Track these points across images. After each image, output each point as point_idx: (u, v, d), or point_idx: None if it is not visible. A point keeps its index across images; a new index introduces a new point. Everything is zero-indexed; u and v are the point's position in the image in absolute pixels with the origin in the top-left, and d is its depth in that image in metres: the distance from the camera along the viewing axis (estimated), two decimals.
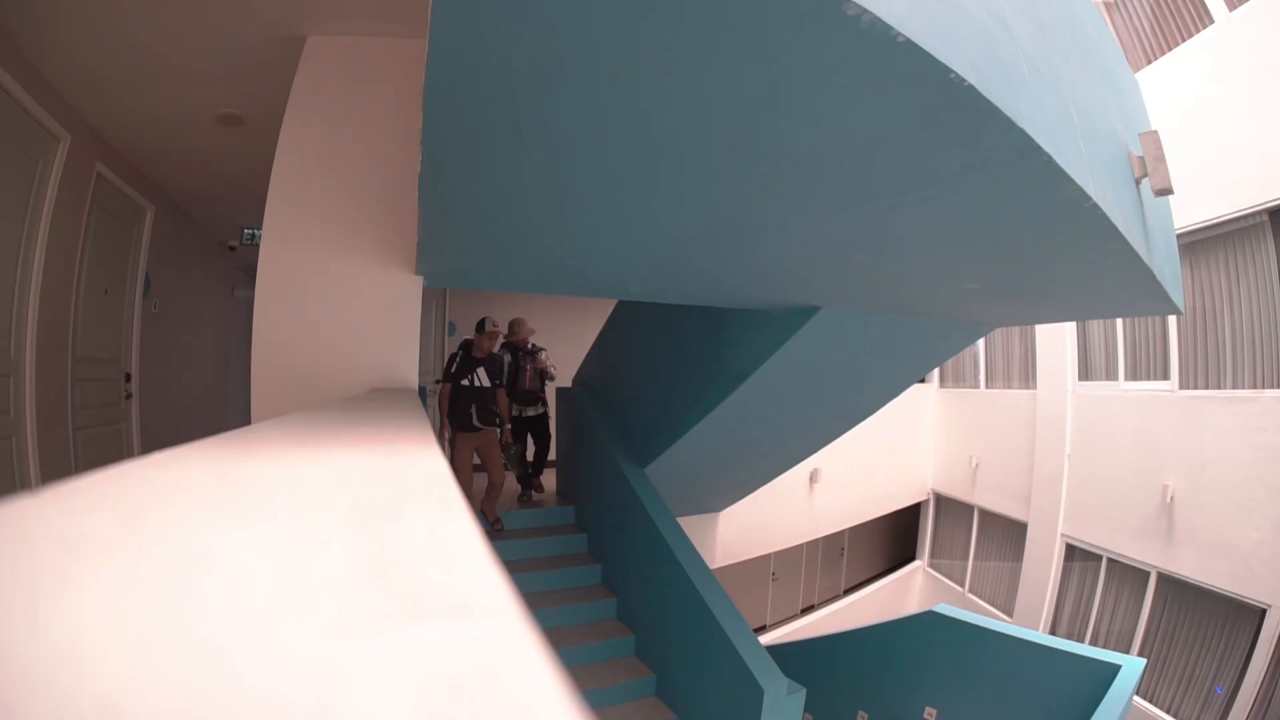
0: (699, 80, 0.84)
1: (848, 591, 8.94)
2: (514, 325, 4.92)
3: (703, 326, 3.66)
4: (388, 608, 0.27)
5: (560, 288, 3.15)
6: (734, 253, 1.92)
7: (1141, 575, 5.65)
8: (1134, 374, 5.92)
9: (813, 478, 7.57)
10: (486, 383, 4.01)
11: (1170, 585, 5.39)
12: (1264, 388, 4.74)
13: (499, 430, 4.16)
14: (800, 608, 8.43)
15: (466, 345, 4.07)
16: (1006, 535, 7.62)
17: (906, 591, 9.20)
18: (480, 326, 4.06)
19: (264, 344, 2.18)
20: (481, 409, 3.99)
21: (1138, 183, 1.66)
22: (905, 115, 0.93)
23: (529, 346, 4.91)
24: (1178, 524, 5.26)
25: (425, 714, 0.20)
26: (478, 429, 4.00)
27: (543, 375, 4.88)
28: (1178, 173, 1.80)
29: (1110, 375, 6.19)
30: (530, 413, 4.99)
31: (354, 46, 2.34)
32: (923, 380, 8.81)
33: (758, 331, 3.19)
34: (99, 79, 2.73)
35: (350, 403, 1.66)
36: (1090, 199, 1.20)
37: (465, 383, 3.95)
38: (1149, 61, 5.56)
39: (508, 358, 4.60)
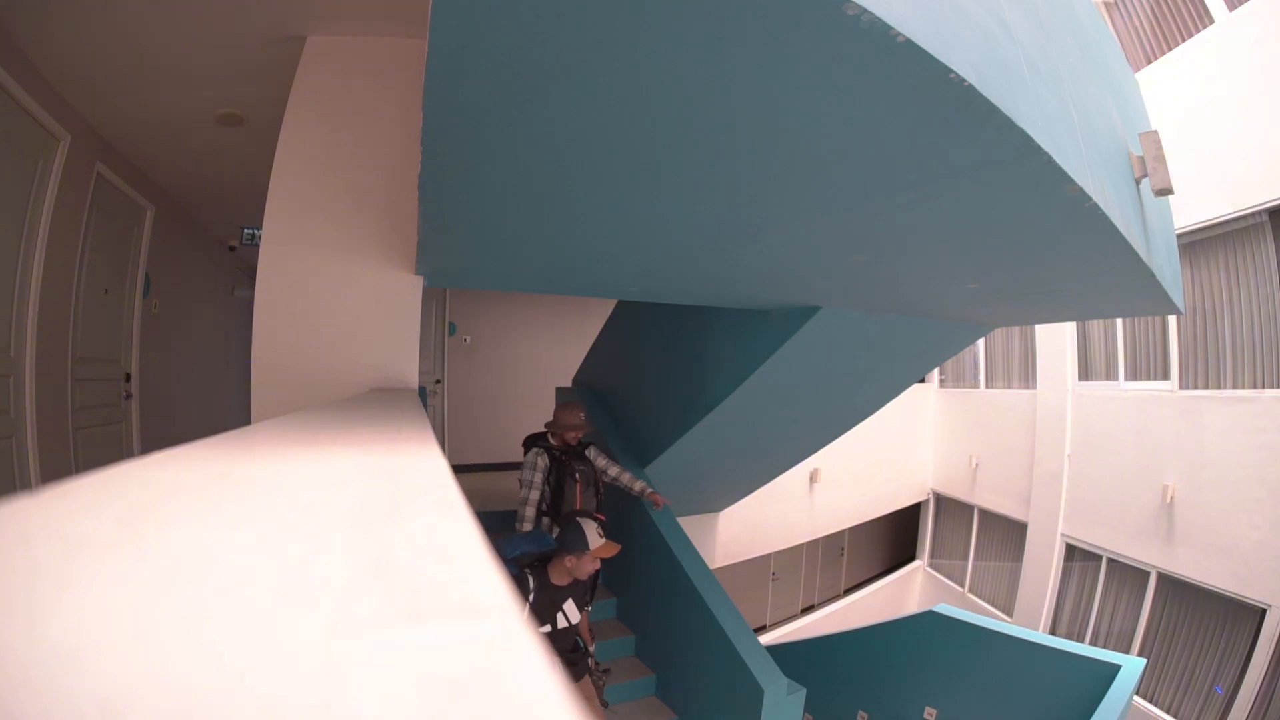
0: (698, 80, 0.84)
1: (848, 591, 8.94)
2: (560, 416, 3.25)
3: (702, 326, 3.66)
4: (388, 608, 0.27)
5: (560, 288, 3.15)
6: (734, 252, 1.92)
7: (1141, 575, 5.65)
8: (1134, 374, 5.92)
9: (813, 478, 7.57)
10: (576, 618, 2.50)
11: (1170, 585, 5.39)
12: (1264, 388, 4.74)
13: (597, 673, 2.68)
14: (800, 608, 8.43)
15: (535, 568, 2.40)
16: (1006, 535, 7.62)
17: (906, 591, 9.20)
18: (573, 541, 2.34)
19: (264, 344, 2.18)
20: (577, 662, 2.56)
21: (1138, 183, 1.66)
22: (905, 115, 0.93)
23: (576, 445, 3.32)
24: (1178, 524, 5.26)
25: (425, 714, 0.20)
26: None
27: (597, 486, 3.33)
28: (1178, 173, 1.80)
29: (1110, 375, 6.19)
30: None
31: (354, 46, 2.34)
32: (922, 380, 8.82)
33: (757, 331, 3.19)
34: (99, 79, 2.73)
35: (350, 403, 1.66)
36: (1090, 199, 1.20)
37: (547, 629, 2.40)
38: (1149, 61, 5.56)
39: (544, 462, 3.19)
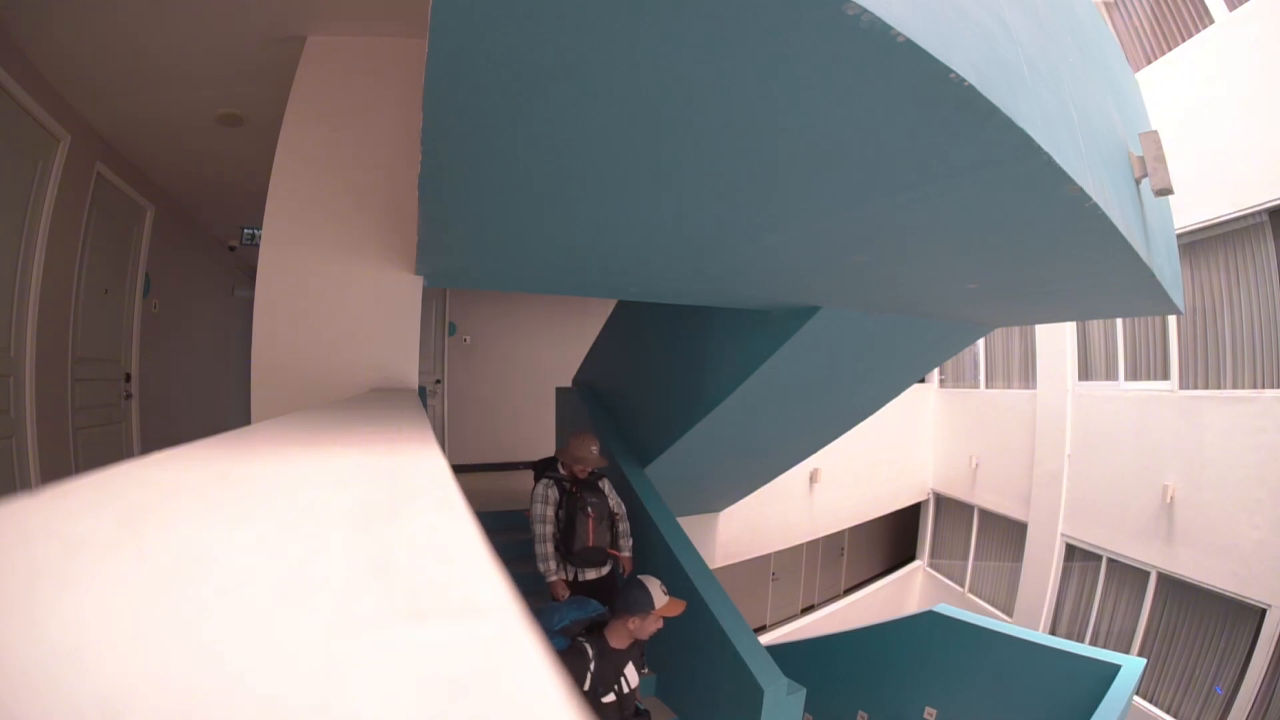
0: (698, 80, 0.84)
1: (848, 591, 8.94)
2: (573, 445, 3.09)
3: (703, 326, 3.66)
4: (388, 608, 0.27)
5: (560, 288, 3.14)
6: (734, 252, 1.92)
7: (1141, 575, 5.65)
8: (1134, 374, 5.93)
9: (813, 478, 7.57)
10: (635, 681, 2.36)
11: (1170, 585, 5.39)
12: (1264, 388, 4.74)
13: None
14: (800, 608, 8.43)
15: (590, 636, 2.26)
16: (1006, 535, 7.62)
17: (906, 591, 9.20)
18: (638, 602, 2.25)
19: (264, 344, 2.18)
20: None
21: (1138, 183, 1.66)
22: (905, 115, 0.93)
23: (587, 476, 3.16)
24: (1178, 524, 5.26)
25: (425, 714, 0.20)
26: None
27: (612, 520, 3.17)
28: (1178, 172, 1.80)
29: (1110, 375, 6.19)
30: (592, 575, 3.15)
31: (354, 46, 2.34)
32: (923, 380, 8.82)
33: (757, 331, 3.19)
34: (99, 79, 2.73)
35: (350, 403, 1.66)
36: (1090, 199, 1.20)
37: (611, 697, 2.28)
38: (1149, 61, 5.56)
39: (554, 494, 3.05)
